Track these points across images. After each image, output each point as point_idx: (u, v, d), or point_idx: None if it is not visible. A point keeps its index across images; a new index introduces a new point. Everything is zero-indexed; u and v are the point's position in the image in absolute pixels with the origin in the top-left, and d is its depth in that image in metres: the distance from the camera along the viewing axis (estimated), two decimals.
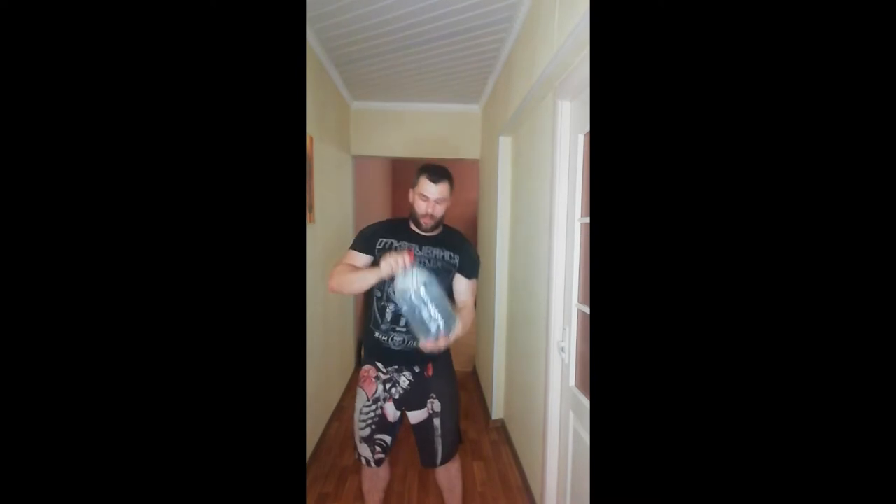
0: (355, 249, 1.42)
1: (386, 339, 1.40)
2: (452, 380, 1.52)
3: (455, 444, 1.52)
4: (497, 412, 2.64)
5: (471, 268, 1.46)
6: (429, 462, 1.50)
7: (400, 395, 1.43)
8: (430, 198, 1.34)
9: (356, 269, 1.36)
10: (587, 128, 1.28)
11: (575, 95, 1.38)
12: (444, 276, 1.40)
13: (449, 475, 1.57)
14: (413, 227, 1.41)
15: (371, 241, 1.40)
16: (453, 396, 1.50)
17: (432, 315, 1.20)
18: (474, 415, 2.76)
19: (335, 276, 1.35)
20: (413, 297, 1.19)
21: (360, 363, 1.50)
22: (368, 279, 1.28)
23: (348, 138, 3.08)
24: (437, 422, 1.45)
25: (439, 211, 1.36)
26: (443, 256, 1.41)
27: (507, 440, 2.40)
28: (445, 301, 1.23)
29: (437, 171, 1.35)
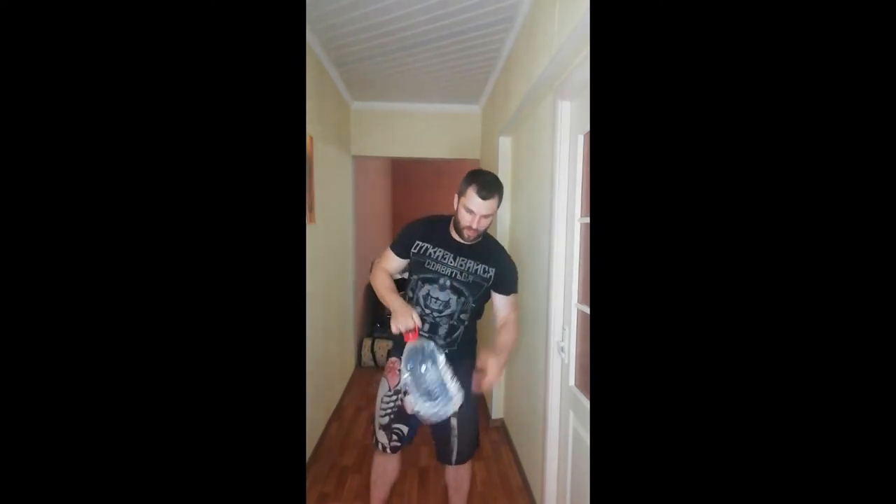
0: (393, 251, 1.47)
1: None
2: (470, 386, 1.48)
3: (472, 449, 1.53)
4: (497, 412, 2.64)
5: (508, 283, 1.42)
6: (444, 459, 1.52)
7: None
8: (476, 213, 1.28)
9: (389, 279, 1.46)
10: (587, 128, 1.28)
11: (575, 95, 1.38)
12: (475, 290, 1.39)
13: (458, 476, 1.59)
14: (453, 232, 1.39)
15: (408, 243, 1.43)
16: (472, 402, 1.47)
17: (429, 402, 1.24)
18: None
19: (377, 278, 1.47)
20: (415, 375, 1.22)
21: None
22: (388, 303, 1.37)
23: (348, 138, 3.08)
24: (453, 421, 1.45)
25: (484, 224, 1.31)
26: (476, 270, 1.39)
27: (508, 440, 2.40)
28: (446, 385, 1.23)
29: (488, 185, 1.27)
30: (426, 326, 1.39)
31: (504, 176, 2.47)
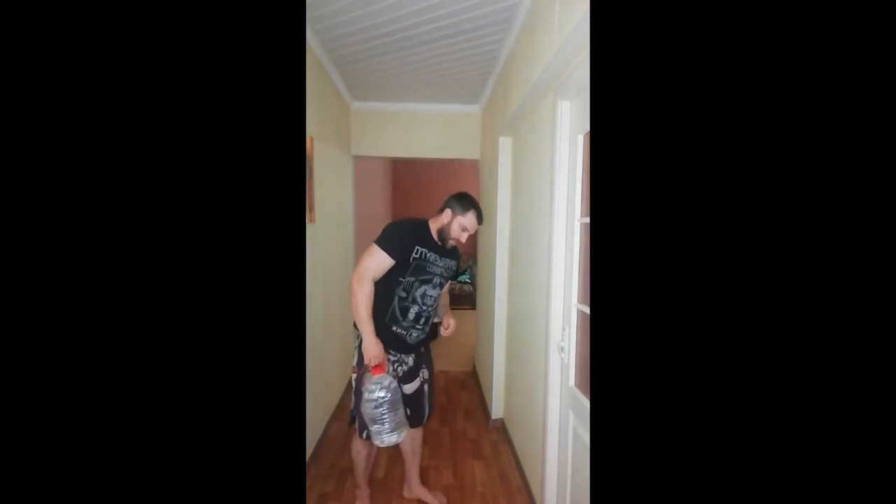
0: (387, 251, 1.52)
1: (405, 333, 1.60)
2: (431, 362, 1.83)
3: (432, 409, 1.80)
4: (497, 412, 2.64)
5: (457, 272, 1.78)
6: (418, 423, 1.74)
7: (403, 373, 1.63)
8: (469, 231, 1.60)
9: (371, 297, 1.51)
10: (587, 128, 1.28)
11: (575, 95, 1.38)
12: (446, 283, 1.70)
13: (416, 439, 1.84)
14: (435, 236, 1.62)
15: (407, 247, 1.54)
16: (433, 365, 1.81)
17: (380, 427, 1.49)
18: (474, 415, 2.76)
19: (362, 294, 1.50)
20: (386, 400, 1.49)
21: (360, 363, 1.57)
22: (365, 332, 1.51)
23: (348, 138, 3.08)
24: (426, 388, 1.73)
25: (465, 239, 1.63)
26: (451, 266, 1.68)
27: (507, 440, 2.40)
28: (399, 414, 1.53)
29: (482, 213, 1.62)
30: (423, 323, 1.62)
31: (504, 176, 2.48)
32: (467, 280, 5.96)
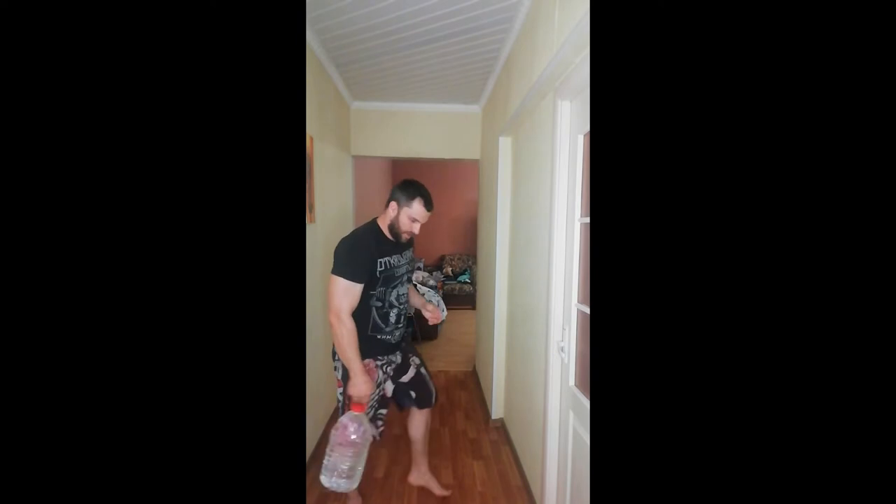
0: (354, 280, 1.44)
1: (390, 337, 1.60)
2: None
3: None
4: (497, 412, 2.64)
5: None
6: (427, 403, 1.74)
7: (394, 370, 1.64)
8: (419, 221, 1.52)
9: (354, 330, 1.45)
10: (587, 128, 1.28)
11: (575, 95, 1.38)
12: (411, 276, 1.71)
13: (423, 424, 1.79)
14: (388, 234, 1.56)
15: (369, 266, 1.48)
16: (417, 351, 1.81)
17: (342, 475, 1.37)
18: (474, 414, 2.76)
19: (344, 331, 1.43)
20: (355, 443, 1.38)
21: None
22: (352, 365, 1.44)
23: (348, 138, 3.08)
24: (423, 370, 1.73)
25: (418, 230, 1.57)
26: (411, 257, 1.68)
27: (507, 440, 2.40)
28: (360, 464, 1.42)
29: (430, 198, 1.53)
30: (402, 321, 1.62)
31: (504, 176, 2.48)
32: (467, 280, 5.96)
